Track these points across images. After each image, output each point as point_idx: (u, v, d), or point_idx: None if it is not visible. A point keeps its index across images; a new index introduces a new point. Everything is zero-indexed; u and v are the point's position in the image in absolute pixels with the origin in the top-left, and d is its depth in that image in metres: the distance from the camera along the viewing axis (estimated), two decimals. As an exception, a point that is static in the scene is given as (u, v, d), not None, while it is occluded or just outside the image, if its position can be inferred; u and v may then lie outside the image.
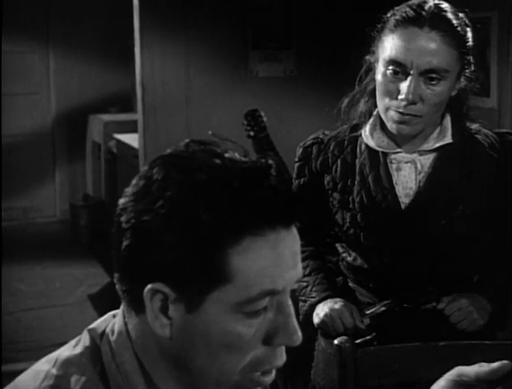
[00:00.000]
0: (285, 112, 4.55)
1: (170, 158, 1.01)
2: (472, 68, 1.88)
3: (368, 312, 1.90)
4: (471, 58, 1.87)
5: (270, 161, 1.00)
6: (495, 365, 1.19)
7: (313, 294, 1.93)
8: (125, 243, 0.98)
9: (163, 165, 0.99)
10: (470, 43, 1.85)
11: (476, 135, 1.91)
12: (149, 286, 0.97)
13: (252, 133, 3.79)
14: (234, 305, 0.96)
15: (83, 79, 7.08)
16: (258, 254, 0.96)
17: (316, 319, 1.92)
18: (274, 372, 1.04)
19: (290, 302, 1.02)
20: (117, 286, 1.03)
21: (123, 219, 0.99)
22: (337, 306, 1.88)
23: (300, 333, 1.01)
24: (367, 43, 1.91)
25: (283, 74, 4.58)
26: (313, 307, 1.92)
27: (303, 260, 1.98)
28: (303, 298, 1.95)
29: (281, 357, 1.02)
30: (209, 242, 0.94)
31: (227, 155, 1.00)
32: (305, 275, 1.97)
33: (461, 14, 1.84)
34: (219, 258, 0.95)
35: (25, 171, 7.05)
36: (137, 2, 4.27)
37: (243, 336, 0.98)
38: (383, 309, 1.89)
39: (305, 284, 1.96)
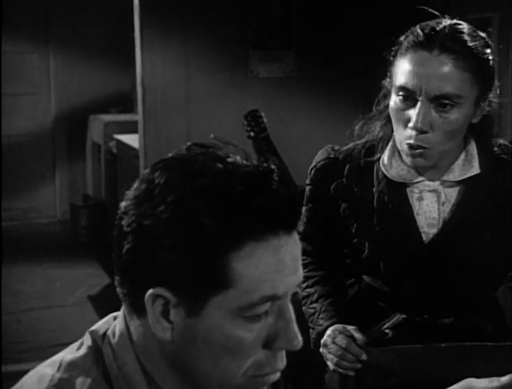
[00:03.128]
0: (285, 112, 4.55)
1: (172, 162, 1.00)
2: (497, 91, 1.77)
3: (384, 327, 1.88)
4: (494, 82, 1.75)
5: (273, 166, 0.99)
6: (505, 378, 1.19)
7: (320, 322, 1.88)
8: (126, 247, 0.98)
9: (165, 169, 0.98)
10: (490, 64, 1.72)
11: (502, 156, 1.81)
12: (150, 291, 0.96)
13: (252, 133, 3.80)
14: (235, 310, 0.96)
15: (83, 79, 7.08)
16: (260, 259, 0.96)
17: (321, 349, 1.87)
18: (279, 372, 1.04)
19: (290, 307, 1.02)
20: (118, 289, 1.02)
21: (124, 222, 0.99)
22: (332, 349, 1.82)
23: (300, 337, 1.01)
24: (383, 66, 1.81)
25: (283, 75, 4.58)
26: (320, 335, 1.86)
27: (312, 286, 1.96)
28: (311, 325, 1.91)
29: (282, 361, 1.02)
30: (211, 247, 0.94)
31: (229, 159, 0.99)
32: (312, 302, 1.93)
33: (481, 34, 1.72)
34: (220, 264, 0.94)
35: (25, 171, 7.05)
36: (137, 2, 4.27)
37: (244, 341, 0.98)
38: (399, 321, 1.87)
39: (312, 311, 1.92)
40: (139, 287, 0.98)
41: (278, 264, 0.97)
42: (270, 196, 0.95)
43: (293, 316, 1.01)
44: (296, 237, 1.01)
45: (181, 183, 0.96)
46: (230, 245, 0.94)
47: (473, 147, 1.80)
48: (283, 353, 1.02)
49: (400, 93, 1.70)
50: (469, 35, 1.70)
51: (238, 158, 0.99)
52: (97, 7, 6.98)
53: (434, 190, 1.80)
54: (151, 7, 4.26)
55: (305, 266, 1.97)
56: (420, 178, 1.80)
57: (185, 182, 0.96)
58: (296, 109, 4.60)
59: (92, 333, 1.07)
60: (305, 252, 1.97)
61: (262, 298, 0.96)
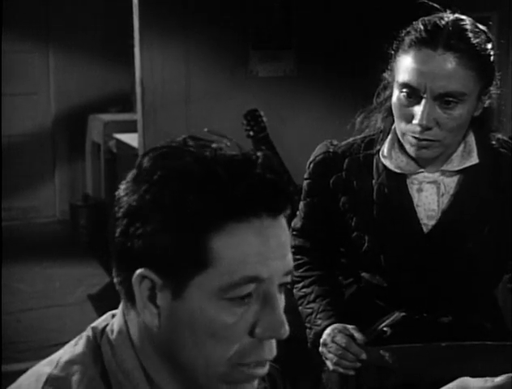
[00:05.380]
0: (285, 112, 4.55)
1: (160, 149, 1.03)
2: (498, 84, 1.78)
3: (382, 325, 1.87)
4: (495, 75, 1.77)
5: (259, 153, 1.01)
6: (499, 379, 1.19)
7: (318, 322, 1.87)
8: (117, 231, 1.01)
9: (152, 154, 1.02)
10: (492, 59, 1.74)
11: (501, 150, 1.82)
12: (137, 272, 0.98)
13: (252, 133, 3.80)
14: (217, 291, 0.97)
15: (83, 79, 7.07)
16: (241, 239, 0.97)
17: (320, 349, 1.86)
18: (267, 365, 1.03)
19: (279, 295, 1.01)
20: (115, 280, 1.04)
21: (117, 209, 1.02)
22: (332, 349, 1.81)
23: (287, 326, 1.00)
24: (383, 65, 1.81)
25: (283, 74, 4.58)
26: (317, 335, 1.86)
27: (309, 285, 1.94)
28: (308, 325, 1.90)
29: (270, 351, 1.01)
30: (192, 226, 0.96)
31: (214, 145, 1.02)
32: (309, 302, 1.92)
33: (482, 28, 1.74)
34: (201, 242, 0.96)
35: (25, 171, 7.04)
36: (137, 2, 4.27)
37: (227, 324, 0.98)
38: (398, 319, 1.86)
39: (309, 310, 1.91)
40: (129, 271, 0.99)
41: (261, 246, 0.98)
42: (253, 179, 0.97)
43: (280, 304, 1.01)
44: (283, 222, 1.02)
45: (165, 165, 0.99)
46: (211, 224, 0.96)
47: (472, 139, 1.82)
48: (272, 343, 1.02)
49: (404, 90, 1.71)
50: (472, 31, 1.71)
51: (226, 146, 1.02)
52: (97, 7, 6.98)
53: (434, 182, 1.81)
54: (151, 7, 4.26)
55: (300, 265, 1.97)
56: (420, 170, 1.81)
57: (169, 164, 0.99)
58: (295, 109, 4.60)
59: (90, 330, 1.08)
60: (301, 250, 1.97)
61: (244, 279, 0.97)
